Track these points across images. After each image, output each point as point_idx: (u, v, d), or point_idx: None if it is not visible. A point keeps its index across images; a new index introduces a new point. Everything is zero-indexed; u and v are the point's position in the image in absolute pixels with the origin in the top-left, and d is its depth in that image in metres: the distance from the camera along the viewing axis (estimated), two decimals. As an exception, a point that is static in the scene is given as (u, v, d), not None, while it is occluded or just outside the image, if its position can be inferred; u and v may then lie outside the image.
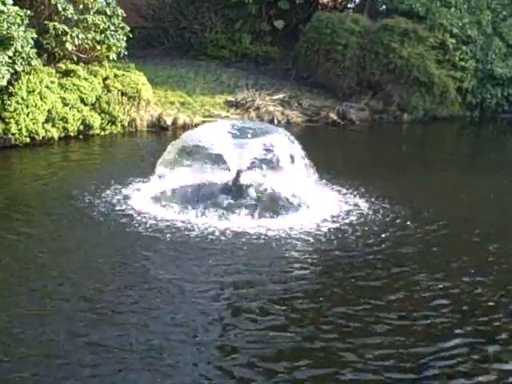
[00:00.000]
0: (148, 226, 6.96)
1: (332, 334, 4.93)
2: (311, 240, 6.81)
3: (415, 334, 4.97)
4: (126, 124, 12.02)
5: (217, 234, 6.80)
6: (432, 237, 7.08)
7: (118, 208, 7.54)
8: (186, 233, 6.80)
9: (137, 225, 6.99)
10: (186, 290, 5.56)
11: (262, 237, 6.77)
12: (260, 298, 5.43)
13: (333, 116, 14.18)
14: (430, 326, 5.10)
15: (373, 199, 8.27)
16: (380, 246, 6.74)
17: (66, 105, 10.99)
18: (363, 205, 8.06)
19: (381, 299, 5.50)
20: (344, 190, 8.61)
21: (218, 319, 5.08)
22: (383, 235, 7.05)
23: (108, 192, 8.12)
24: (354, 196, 8.40)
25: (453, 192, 9.00)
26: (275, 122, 13.41)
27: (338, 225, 7.26)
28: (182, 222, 7.07)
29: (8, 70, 10.01)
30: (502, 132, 15.73)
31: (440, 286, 5.79)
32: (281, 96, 14.45)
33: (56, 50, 11.48)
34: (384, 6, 16.37)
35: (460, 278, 6.01)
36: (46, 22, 11.26)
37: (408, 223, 7.31)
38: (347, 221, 7.42)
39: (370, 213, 7.76)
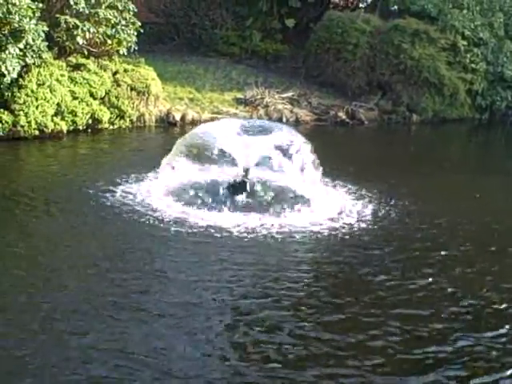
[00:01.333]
0: (152, 220, 6.98)
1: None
2: (316, 237, 6.82)
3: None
4: (135, 119, 12.04)
5: (224, 230, 6.80)
6: (437, 235, 7.08)
7: (124, 202, 7.55)
8: (189, 229, 6.80)
9: (142, 219, 7.01)
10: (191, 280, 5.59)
11: (267, 234, 6.77)
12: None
13: (342, 115, 14.17)
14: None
15: (379, 199, 8.26)
16: (387, 242, 6.76)
17: (75, 98, 11.02)
18: (369, 203, 8.05)
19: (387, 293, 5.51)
20: (350, 189, 8.61)
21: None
22: (389, 232, 7.05)
23: (116, 186, 8.13)
24: (360, 195, 8.39)
25: (459, 193, 8.98)
26: (284, 120, 13.40)
27: (341, 223, 7.25)
28: (186, 217, 7.07)
29: (19, 63, 10.05)
30: (511, 135, 15.66)
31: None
32: (290, 94, 14.44)
33: (67, 43, 11.51)
34: (396, 7, 16.32)
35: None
36: (57, 16, 11.29)
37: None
38: (351, 219, 7.42)
39: (376, 211, 7.76)
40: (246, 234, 6.74)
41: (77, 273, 5.73)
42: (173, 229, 6.79)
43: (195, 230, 6.78)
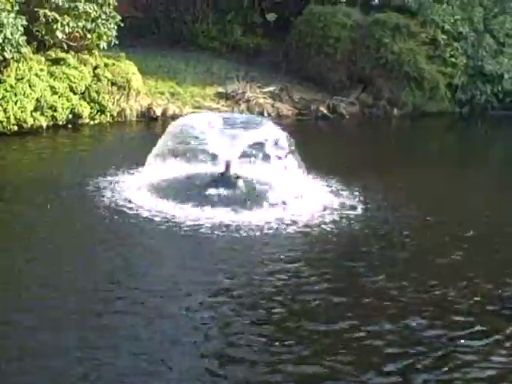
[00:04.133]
0: (133, 216, 6.95)
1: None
2: (298, 230, 6.84)
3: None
4: (116, 114, 11.96)
5: (205, 225, 6.79)
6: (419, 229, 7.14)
7: (104, 198, 7.51)
8: (170, 224, 6.78)
9: (121, 214, 6.98)
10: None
11: (247, 228, 6.77)
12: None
13: (323, 109, 14.19)
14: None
15: (360, 193, 8.29)
16: (364, 236, 6.80)
17: (55, 93, 10.92)
18: (349, 198, 8.08)
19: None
20: (330, 183, 8.62)
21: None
22: (366, 226, 7.09)
23: (95, 182, 8.08)
24: (341, 189, 8.41)
25: (438, 187, 9.06)
26: (265, 114, 13.40)
27: (321, 218, 7.27)
28: (168, 213, 7.05)
29: (-3, 57, 9.94)
30: (490, 129, 15.80)
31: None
32: (271, 89, 14.43)
33: (46, 37, 11.40)
34: (376, 1, 16.37)
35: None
36: (36, 9, 11.16)
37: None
38: (331, 213, 7.44)
39: (356, 205, 7.79)
40: (224, 229, 6.72)
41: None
42: (148, 222, 6.78)
43: (171, 224, 6.75)
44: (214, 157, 8.24)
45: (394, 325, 5.01)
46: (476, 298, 5.55)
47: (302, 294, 5.48)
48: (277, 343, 4.67)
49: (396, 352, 4.65)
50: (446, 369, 4.48)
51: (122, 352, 4.46)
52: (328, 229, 6.97)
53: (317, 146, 11.22)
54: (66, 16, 11.29)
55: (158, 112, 12.64)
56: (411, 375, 4.39)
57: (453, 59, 15.47)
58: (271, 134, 7.75)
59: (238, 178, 8.01)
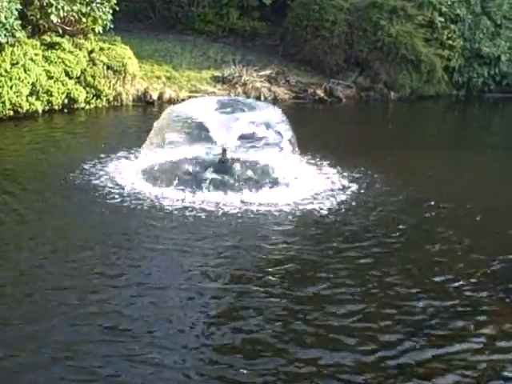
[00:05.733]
0: (130, 201, 6.94)
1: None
2: (295, 214, 6.85)
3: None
4: (112, 98, 11.90)
5: (201, 209, 6.79)
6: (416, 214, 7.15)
7: (100, 183, 7.49)
8: (169, 208, 6.79)
9: (118, 200, 6.97)
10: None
11: (246, 212, 6.77)
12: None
13: (320, 93, 14.15)
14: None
15: (357, 176, 8.29)
16: (359, 219, 6.81)
17: (50, 78, 10.86)
18: (345, 180, 8.08)
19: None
20: (329, 167, 8.61)
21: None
22: (363, 209, 7.11)
23: (93, 166, 8.06)
24: (338, 172, 8.40)
25: (435, 170, 9.06)
26: (262, 98, 13.37)
27: (318, 200, 7.28)
28: (165, 197, 7.05)
29: (-9, 42, 9.87)
30: (487, 111, 15.79)
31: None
32: (268, 72, 14.37)
33: (41, 21, 11.31)
34: (373, -17, 16.23)
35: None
36: (30, -7, 11.08)
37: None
38: (328, 196, 7.45)
39: (352, 189, 7.79)
40: (219, 213, 6.73)
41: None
42: (145, 206, 6.78)
43: (168, 208, 6.76)
44: (211, 141, 8.20)
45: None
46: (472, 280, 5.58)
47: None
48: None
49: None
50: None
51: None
52: (320, 210, 6.97)
53: (314, 129, 11.21)
54: (60, 0, 11.19)
55: (155, 96, 12.60)
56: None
57: (450, 42, 15.42)
58: (270, 117, 7.72)
59: (234, 161, 8.01)
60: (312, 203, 7.16)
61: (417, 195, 7.76)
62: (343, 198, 7.45)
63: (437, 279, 5.58)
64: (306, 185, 7.67)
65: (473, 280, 5.57)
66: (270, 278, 5.43)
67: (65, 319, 4.62)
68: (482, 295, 5.31)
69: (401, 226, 6.75)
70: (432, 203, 7.44)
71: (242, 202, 7.03)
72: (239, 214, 6.73)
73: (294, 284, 5.37)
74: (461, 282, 5.52)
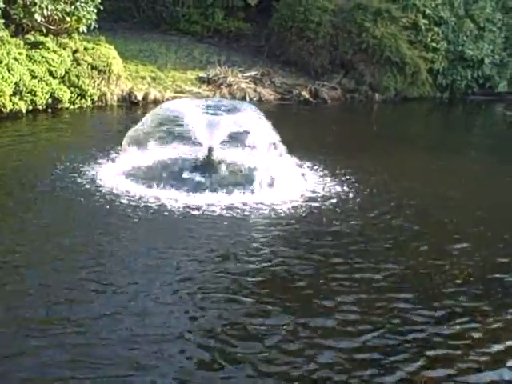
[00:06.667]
0: (112, 201, 6.90)
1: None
2: (279, 214, 6.85)
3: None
4: (96, 98, 11.84)
5: (187, 210, 6.77)
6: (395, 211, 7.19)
7: (83, 184, 7.43)
8: (154, 209, 6.76)
9: (101, 200, 6.93)
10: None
11: (229, 213, 6.77)
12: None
13: (305, 94, 14.20)
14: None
15: (340, 176, 8.33)
16: (345, 219, 6.83)
17: (34, 77, 10.78)
18: (331, 181, 8.11)
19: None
20: (313, 168, 8.64)
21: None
22: (346, 209, 7.13)
23: (76, 167, 8.00)
24: (323, 173, 8.43)
25: (418, 171, 9.13)
26: (247, 99, 13.38)
27: (303, 200, 7.30)
28: (150, 198, 7.01)
29: (-26, 41, 9.78)
30: (470, 113, 15.92)
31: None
32: (253, 73, 14.39)
33: (24, 20, 11.23)
34: (358, -15, 16.30)
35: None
36: (13, -8, 10.99)
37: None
38: (314, 196, 7.47)
39: (336, 188, 7.83)
40: (205, 214, 6.71)
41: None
42: (128, 207, 6.75)
43: (151, 209, 6.73)
44: (196, 142, 8.19)
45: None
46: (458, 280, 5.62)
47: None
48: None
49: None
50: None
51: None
52: (299, 212, 6.99)
53: (298, 131, 11.23)
54: (44, -1, 11.12)
55: (139, 96, 12.55)
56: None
57: (434, 44, 15.55)
58: (254, 118, 7.72)
59: (220, 162, 8.00)
60: (294, 204, 7.17)
61: (400, 197, 7.80)
62: (325, 200, 7.45)
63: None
64: (289, 186, 7.67)
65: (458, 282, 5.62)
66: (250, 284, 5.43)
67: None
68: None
69: (385, 228, 6.79)
70: (412, 203, 7.50)
71: (225, 202, 7.01)
72: (222, 215, 6.72)
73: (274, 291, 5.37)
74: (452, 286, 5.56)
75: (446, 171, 9.27)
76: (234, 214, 6.77)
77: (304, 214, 6.95)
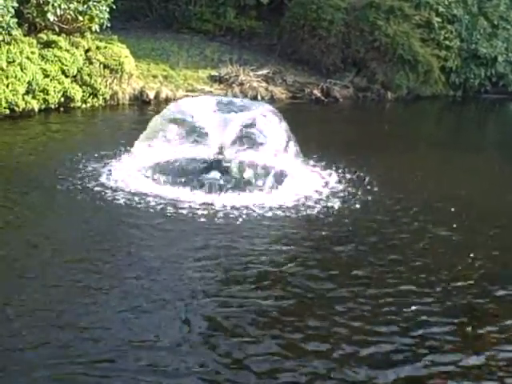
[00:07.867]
0: (124, 201, 6.92)
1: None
2: (291, 215, 6.83)
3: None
4: (108, 97, 11.87)
5: (198, 210, 6.76)
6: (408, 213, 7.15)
7: (96, 182, 7.44)
8: (158, 208, 6.76)
9: (114, 200, 6.94)
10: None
11: (243, 213, 6.76)
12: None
13: (317, 93, 14.15)
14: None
15: (353, 176, 8.29)
16: (359, 220, 6.79)
17: (46, 76, 10.82)
18: (344, 181, 8.08)
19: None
20: (326, 167, 8.60)
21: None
22: (359, 209, 7.10)
23: (88, 166, 8.03)
24: (336, 172, 8.40)
25: (432, 170, 9.07)
26: (259, 97, 13.36)
27: (315, 201, 7.27)
28: (161, 197, 7.02)
29: (-13, 40, 9.83)
30: (483, 112, 15.81)
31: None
32: (265, 72, 14.36)
33: (37, 20, 11.27)
34: (370, -17, 16.23)
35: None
36: (27, -9, 11.04)
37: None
38: (326, 197, 7.45)
39: (347, 191, 7.78)
40: (214, 213, 6.70)
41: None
42: (141, 205, 6.75)
43: (164, 209, 6.73)
44: (207, 140, 8.18)
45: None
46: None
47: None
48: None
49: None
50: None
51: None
52: (312, 212, 6.96)
53: (310, 130, 11.19)
54: (57, -2, 11.15)
55: (151, 95, 12.57)
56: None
57: (447, 42, 15.45)
58: (266, 117, 7.70)
59: (231, 161, 7.99)
60: (307, 205, 7.14)
61: (414, 196, 7.76)
62: (337, 200, 7.41)
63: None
64: (301, 186, 7.64)
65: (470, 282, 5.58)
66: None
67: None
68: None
69: (399, 228, 6.76)
70: (429, 203, 7.45)
71: (237, 202, 7.00)
72: (233, 215, 6.71)
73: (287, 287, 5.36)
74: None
75: (460, 170, 9.20)
76: (252, 218, 6.76)
77: (323, 216, 6.90)
